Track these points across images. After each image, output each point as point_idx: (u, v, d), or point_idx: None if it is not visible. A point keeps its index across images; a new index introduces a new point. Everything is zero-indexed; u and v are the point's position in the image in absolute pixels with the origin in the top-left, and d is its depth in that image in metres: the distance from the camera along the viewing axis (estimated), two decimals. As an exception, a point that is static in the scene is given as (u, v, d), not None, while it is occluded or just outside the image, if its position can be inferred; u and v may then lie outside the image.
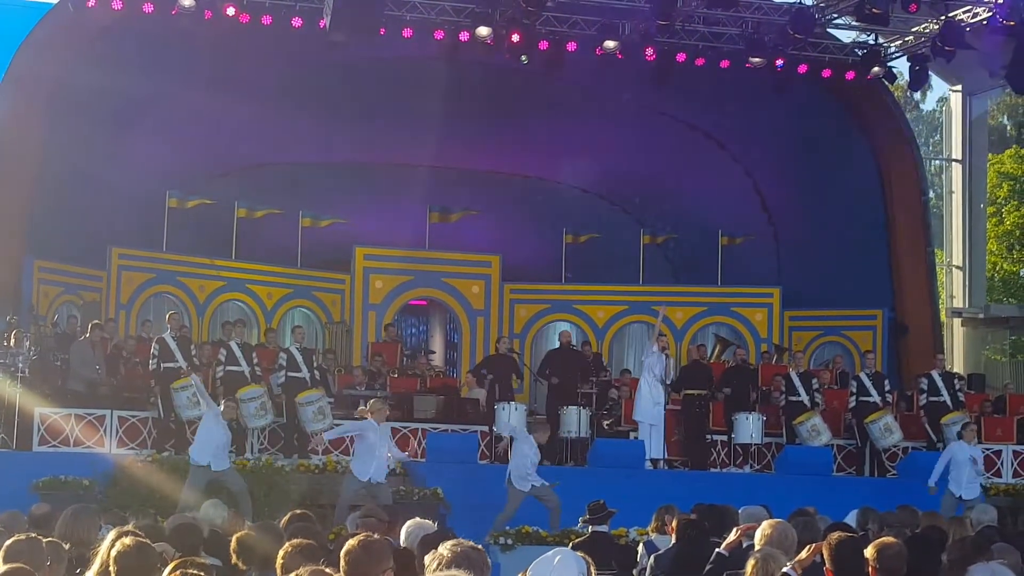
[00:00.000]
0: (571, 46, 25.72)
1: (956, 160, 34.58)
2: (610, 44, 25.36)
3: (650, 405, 22.56)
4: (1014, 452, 24.50)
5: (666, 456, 22.91)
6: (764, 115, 29.00)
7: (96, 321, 22.89)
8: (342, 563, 6.28)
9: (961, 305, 34.44)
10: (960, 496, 20.38)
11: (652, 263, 30.00)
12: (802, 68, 26.62)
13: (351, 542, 6.36)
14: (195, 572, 7.01)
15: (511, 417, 22.35)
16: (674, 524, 11.63)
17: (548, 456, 22.63)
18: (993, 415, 25.28)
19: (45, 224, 25.06)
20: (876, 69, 26.83)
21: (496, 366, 24.71)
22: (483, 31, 24.86)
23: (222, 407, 19.23)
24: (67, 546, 8.07)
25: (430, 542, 8.50)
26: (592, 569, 6.79)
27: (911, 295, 29.50)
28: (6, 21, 27.39)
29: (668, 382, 23.03)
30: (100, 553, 7.23)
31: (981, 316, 34.21)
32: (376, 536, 6.63)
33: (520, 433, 19.67)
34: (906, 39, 26.96)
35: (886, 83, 28.64)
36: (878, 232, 29.76)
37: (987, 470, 23.82)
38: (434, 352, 29.12)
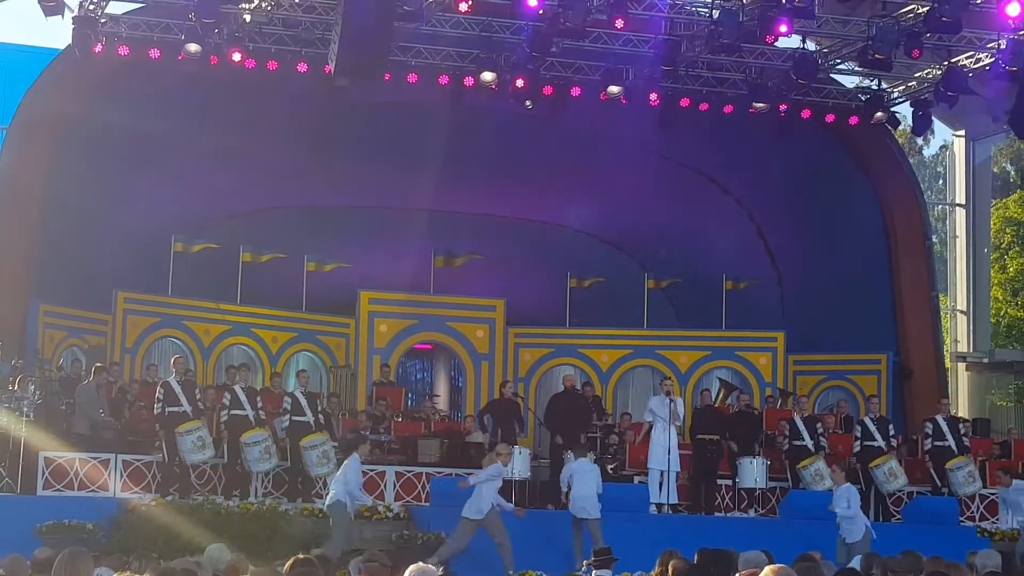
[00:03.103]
0: (575, 91, 25.84)
1: (960, 205, 34.64)
2: (614, 89, 25.49)
3: (661, 452, 22.52)
4: (1020, 497, 24.41)
5: (671, 501, 22.83)
6: (768, 160, 29.06)
7: (100, 364, 22.89)
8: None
9: (966, 350, 34.41)
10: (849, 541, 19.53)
11: (656, 307, 30.00)
12: (805, 113, 26.72)
13: None
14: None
15: (516, 461, 22.31)
16: (671, 569, 11.55)
17: (552, 501, 22.62)
18: (1000, 459, 25.21)
19: (51, 268, 25.12)
20: (879, 114, 26.93)
21: (499, 410, 24.68)
22: (488, 76, 25.03)
23: None
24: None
25: (433, 586, 8.50)
26: None
27: (915, 339, 29.48)
28: (14, 65, 27.58)
29: (678, 423, 22.97)
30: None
31: (986, 361, 34.17)
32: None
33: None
34: (909, 84, 27.07)
35: (889, 128, 28.72)
36: (882, 276, 29.77)
37: (991, 515, 23.79)
38: (438, 396, 29.13)
